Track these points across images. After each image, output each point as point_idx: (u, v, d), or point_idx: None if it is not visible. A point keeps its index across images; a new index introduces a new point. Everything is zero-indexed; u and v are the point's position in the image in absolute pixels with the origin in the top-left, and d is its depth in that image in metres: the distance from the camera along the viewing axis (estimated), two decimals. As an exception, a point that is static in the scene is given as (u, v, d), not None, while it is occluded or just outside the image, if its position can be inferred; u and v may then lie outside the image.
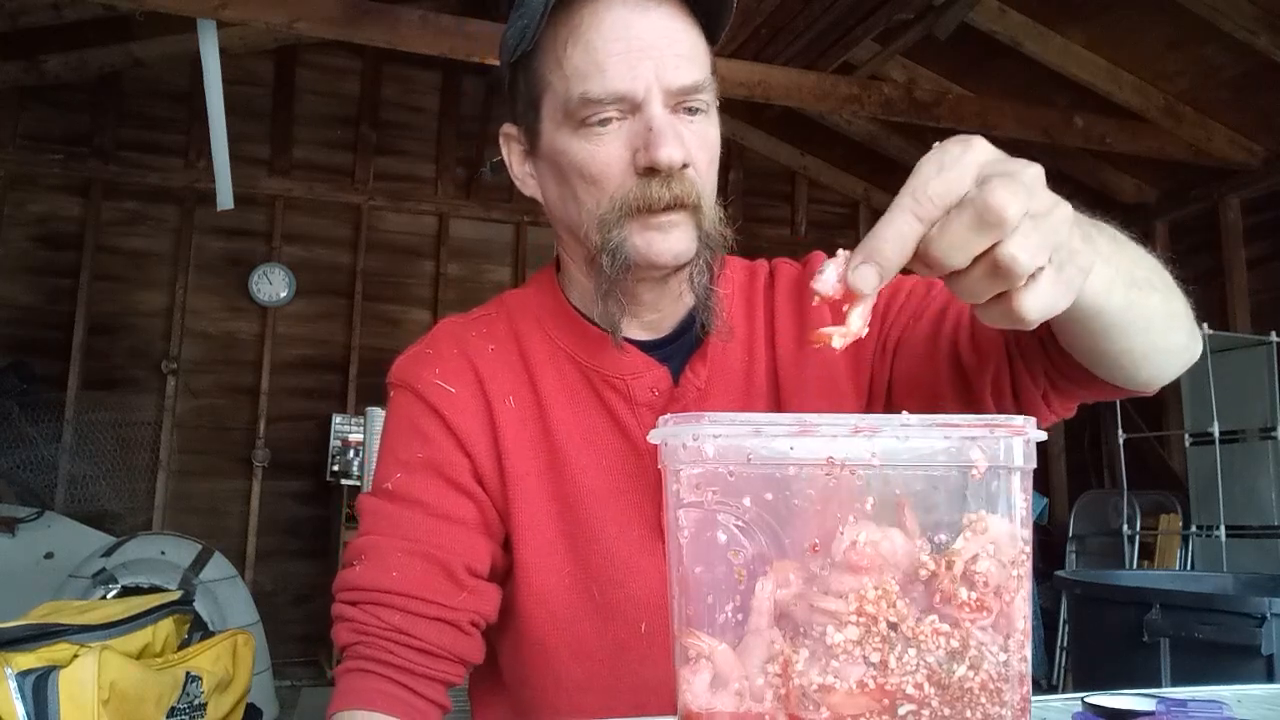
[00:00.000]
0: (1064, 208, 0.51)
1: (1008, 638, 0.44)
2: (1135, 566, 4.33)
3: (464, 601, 0.81)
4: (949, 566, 0.44)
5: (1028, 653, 0.45)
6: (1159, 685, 1.96)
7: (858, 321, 0.51)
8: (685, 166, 0.77)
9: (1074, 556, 4.82)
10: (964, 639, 0.44)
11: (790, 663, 0.43)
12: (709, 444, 0.44)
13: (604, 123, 0.77)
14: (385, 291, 5.35)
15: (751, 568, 0.45)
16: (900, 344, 0.85)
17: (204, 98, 3.41)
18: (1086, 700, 0.67)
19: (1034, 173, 0.50)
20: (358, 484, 4.64)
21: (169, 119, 5.10)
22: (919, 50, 4.41)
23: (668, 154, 0.75)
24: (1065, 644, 4.48)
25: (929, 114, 4.18)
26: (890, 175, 5.80)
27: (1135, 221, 4.91)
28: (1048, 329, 0.73)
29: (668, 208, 0.77)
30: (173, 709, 1.53)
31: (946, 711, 0.43)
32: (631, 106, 0.77)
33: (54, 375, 4.73)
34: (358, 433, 4.85)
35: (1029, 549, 0.45)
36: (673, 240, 0.78)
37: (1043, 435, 0.46)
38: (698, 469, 0.45)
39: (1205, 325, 3.88)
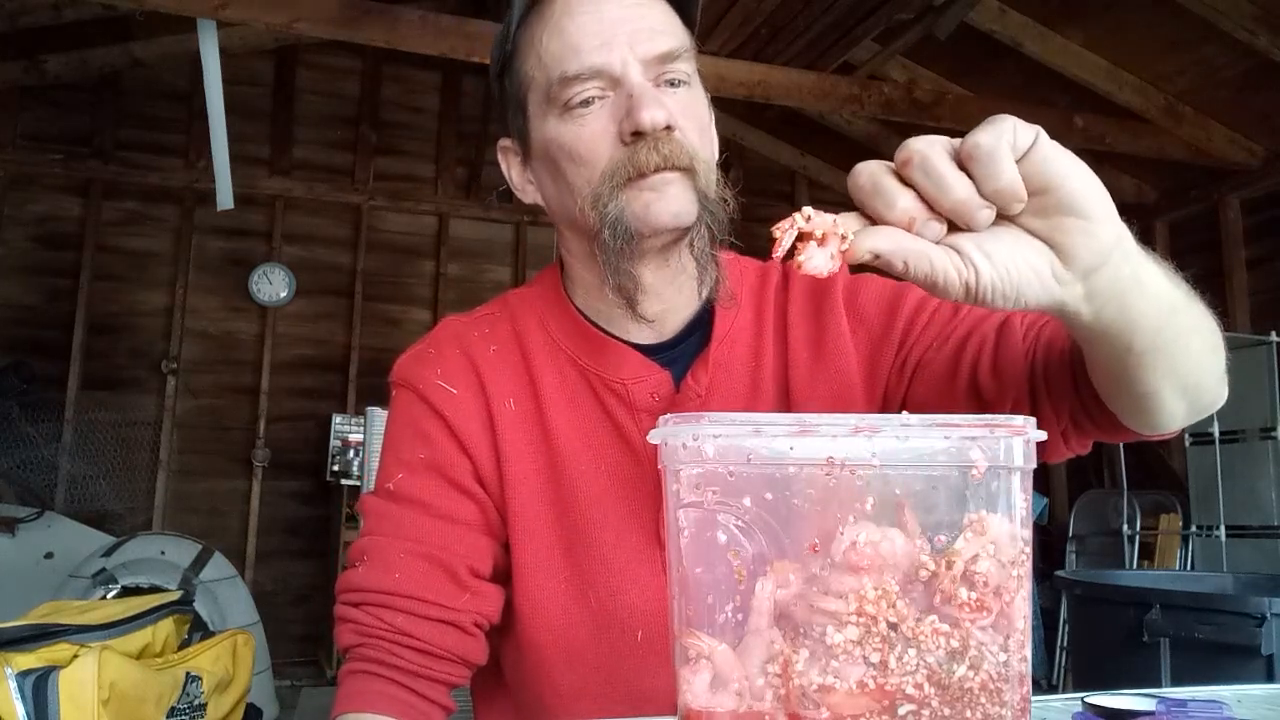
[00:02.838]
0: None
1: (1008, 638, 0.44)
2: (1135, 566, 4.33)
3: (467, 603, 0.80)
4: (949, 567, 0.44)
5: (1028, 653, 0.45)
6: (1159, 685, 1.96)
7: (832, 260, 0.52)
8: (670, 129, 0.76)
9: (1074, 556, 4.82)
10: (964, 639, 0.44)
11: (790, 663, 0.43)
12: (709, 444, 0.44)
13: (586, 103, 0.77)
14: (385, 291, 5.35)
15: (751, 568, 0.44)
16: (920, 366, 0.83)
17: (204, 98, 3.41)
18: (1086, 700, 0.67)
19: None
20: (358, 484, 4.64)
21: (169, 119, 5.10)
22: (919, 50, 4.41)
23: (650, 116, 0.75)
24: (1065, 644, 4.48)
25: (929, 114, 4.18)
26: (890, 175, 5.79)
27: (1135, 221, 4.88)
28: (1082, 365, 0.71)
29: (659, 169, 0.76)
30: (173, 709, 1.53)
31: (946, 711, 0.43)
32: (610, 81, 0.77)
33: (54, 375, 4.73)
34: (358, 433, 4.85)
35: (1029, 549, 0.45)
36: (670, 199, 0.77)
37: (1042, 435, 0.46)
38: (697, 469, 0.45)
39: (1205, 325, 3.88)
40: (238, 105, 4.53)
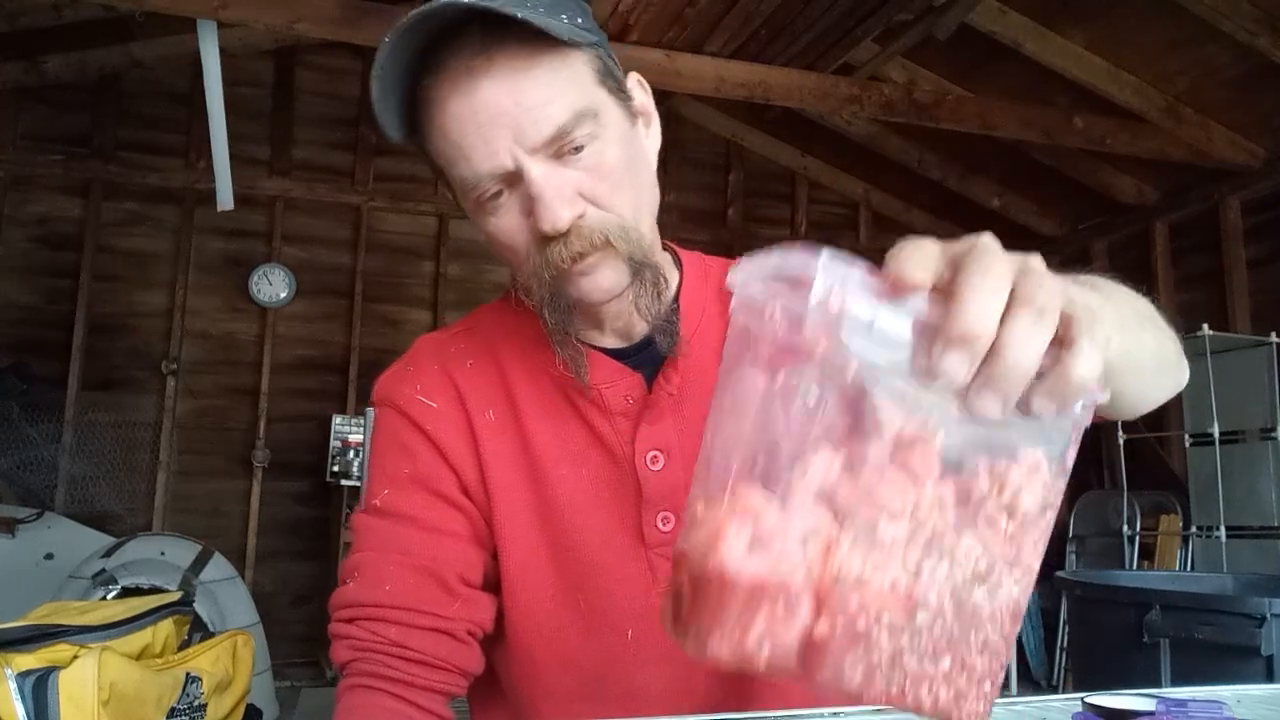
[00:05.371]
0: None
1: (1024, 575, 0.46)
2: (1135, 567, 4.34)
3: (459, 611, 0.81)
4: (1000, 492, 0.44)
5: (1028, 599, 0.46)
6: (1159, 685, 1.96)
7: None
8: (581, 216, 0.75)
9: (1074, 557, 4.82)
10: (990, 564, 0.44)
11: (834, 546, 0.42)
12: (823, 303, 0.42)
13: (495, 196, 0.76)
14: (385, 292, 5.35)
15: (820, 438, 0.43)
16: None
17: (204, 98, 3.41)
18: (1086, 700, 0.67)
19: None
20: (358, 485, 4.64)
21: (169, 119, 5.10)
22: (919, 51, 4.41)
23: (550, 222, 0.73)
24: (1065, 644, 4.48)
25: (929, 115, 4.19)
26: (890, 176, 5.81)
27: (1135, 221, 4.91)
28: None
29: (575, 260, 0.75)
30: (173, 710, 1.53)
31: (956, 630, 0.44)
32: (510, 177, 0.74)
33: (54, 375, 4.72)
34: (358, 433, 4.85)
35: (1058, 504, 0.46)
36: (599, 279, 0.77)
37: (1105, 397, 0.46)
38: (792, 326, 0.42)
39: (1205, 325, 3.88)
40: (238, 105, 4.53)
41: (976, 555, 0.44)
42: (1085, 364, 0.44)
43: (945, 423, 0.44)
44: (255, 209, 5.10)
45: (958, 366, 0.42)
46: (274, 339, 5.13)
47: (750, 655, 0.41)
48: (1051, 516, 0.46)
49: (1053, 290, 0.44)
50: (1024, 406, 0.44)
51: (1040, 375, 0.44)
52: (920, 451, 0.44)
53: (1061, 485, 0.46)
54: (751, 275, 0.44)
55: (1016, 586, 0.45)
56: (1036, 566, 0.46)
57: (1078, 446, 0.47)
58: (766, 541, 0.42)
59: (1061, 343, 0.44)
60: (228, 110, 3.48)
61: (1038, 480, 0.46)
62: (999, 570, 0.45)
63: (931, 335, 0.43)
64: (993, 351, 0.42)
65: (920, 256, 0.43)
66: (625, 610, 0.83)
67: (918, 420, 0.44)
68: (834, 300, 0.42)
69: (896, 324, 0.43)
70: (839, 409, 0.43)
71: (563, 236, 0.74)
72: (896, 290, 0.43)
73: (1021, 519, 0.45)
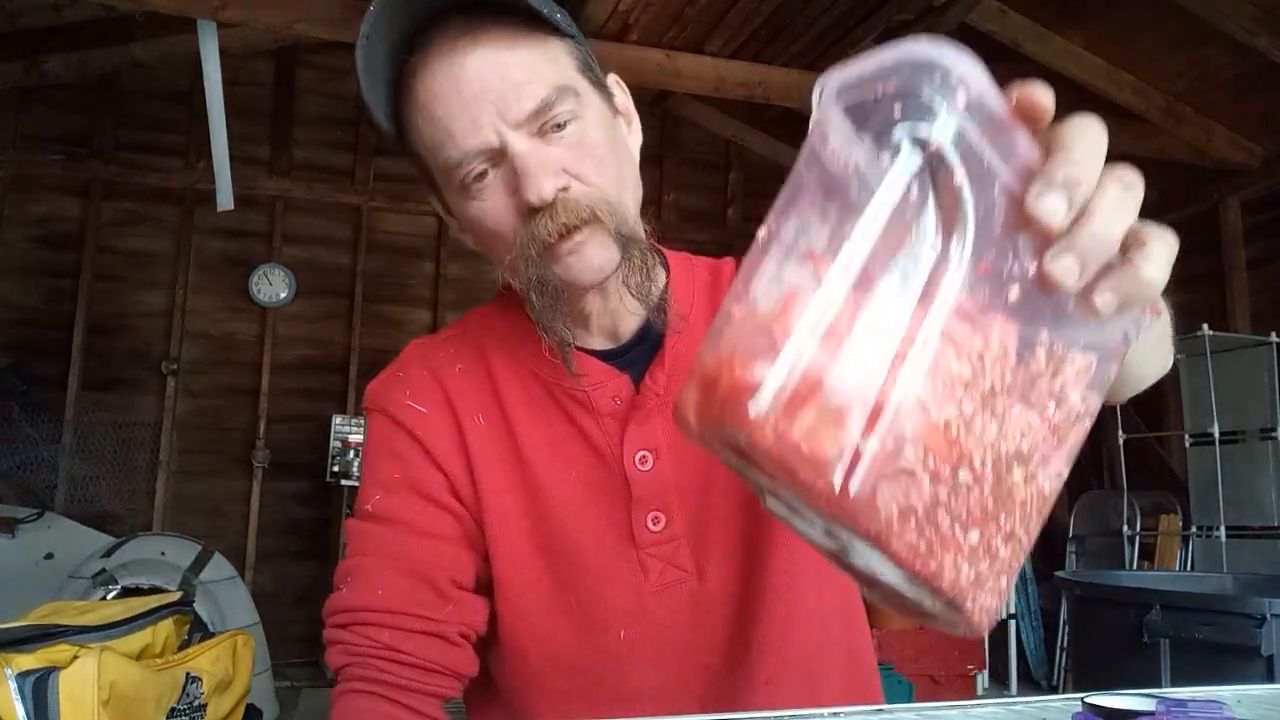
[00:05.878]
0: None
1: (1055, 478, 0.44)
2: (1135, 567, 4.34)
3: (450, 614, 0.81)
4: (1053, 375, 0.43)
5: (1051, 506, 0.45)
6: (1159, 685, 1.97)
7: None
8: (565, 189, 0.75)
9: (1074, 557, 4.82)
10: (1031, 448, 0.43)
11: (901, 362, 0.39)
12: (965, 95, 0.40)
13: (480, 177, 0.76)
14: (385, 292, 5.35)
15: (906, 242, 0.40)
16: None
17: (204, 98, 3.41)
18: (1086, 700, 0.67)
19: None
20: (358, 485, 4.63)
21: (169, 119, 5.10)
22: (919, 51, 4.41)
23: (535, 192, 0.73)
24: (1065, 644, 4.49)
25: (929, 114, 4.18)
26: (890, 176, 5.81)
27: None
28: None
29: (563, 236, 0.75)
30: (173, 710, 1.53)
31: (990, 504, 0.42)
32: (494, 154, 0.75)
33: (54, 375, 4.73)
34: (358, 433, 4.86)
35: (1092, 421, 0.46)
36: (588, 257, 0.77)
37: (1148, 322, 0.46)
38: (946, 118, 0.39)
39: (1205, 325, 3.89)
40: (238, 105, 4.54)
41: (1022, 431, 0.42)
42: (1156, 265, 0.43)
43: (1022, 277, 0.42)
44: (255, 209, 5.10)
45: (1056, 207, 0.41)
46: (274, 339, 5.13)
47: (789, 450, 0.37)
48: (1086, 428, 0.45)
49: (1137, 175, 0.44)
50: (1086, 300, 0.43)
51: (1109, 270, 0.43)
52: (997, 293, 0.41)
53: (1096, 404, 0.45)
54: (865, 65, 0.41)
55: (1048, 484, 0.44)
56: (1065, 474, 0.45)
57: (1118, 371, 0.46)
58: (835, 331, 0.38)
59: (1128, 247, 0.43)
60: (228, 110, 3.49)
61: (1083, 383, 0.44)
62: (1036, 459, 0.43)
63: (1028, 178, 0.41)
64: (1082, 214, 0.42)
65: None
66: (617, 611, 0.83)
67: (998, 260, 0.41)
68: (961, 98, 0.39)
69: (1004, 148, 0.41)
70: (932, 216, 0.40)
71: (548, 209, 0.74)
72: (1022, 111, 0.42)
73: (1065, 413, 0.44)
